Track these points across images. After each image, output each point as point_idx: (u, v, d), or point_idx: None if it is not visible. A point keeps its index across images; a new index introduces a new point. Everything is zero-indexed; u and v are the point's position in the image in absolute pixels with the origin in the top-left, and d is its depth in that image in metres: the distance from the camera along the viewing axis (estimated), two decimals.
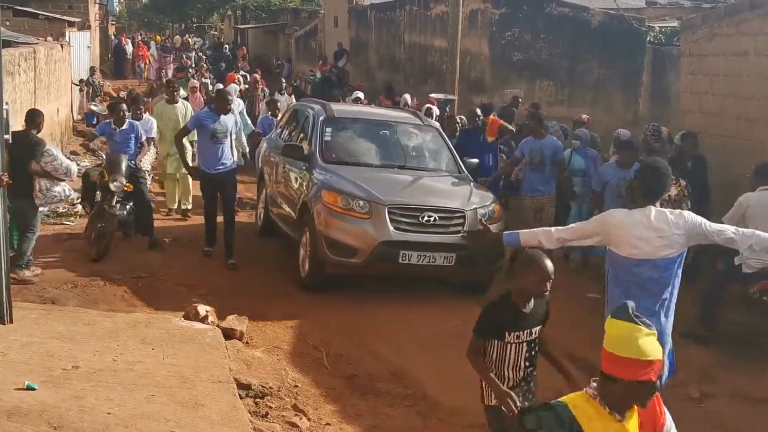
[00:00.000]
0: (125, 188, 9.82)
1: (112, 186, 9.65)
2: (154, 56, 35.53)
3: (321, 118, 10.15)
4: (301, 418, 6.04)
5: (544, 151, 10.23)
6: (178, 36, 54.54)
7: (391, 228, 8.53)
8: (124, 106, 10.74)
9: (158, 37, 53.30)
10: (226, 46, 38.94)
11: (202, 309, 7.72)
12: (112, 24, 48.86)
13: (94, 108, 21.43)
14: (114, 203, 9.70)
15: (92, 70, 25.29)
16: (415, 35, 23.07)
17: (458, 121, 12.89)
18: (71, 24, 23.95)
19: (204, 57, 31.84)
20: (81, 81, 22.85)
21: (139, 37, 41.63)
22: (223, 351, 6.77)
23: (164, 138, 12.29)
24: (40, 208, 9.23)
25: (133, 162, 10.25)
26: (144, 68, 36.18)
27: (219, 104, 10.13)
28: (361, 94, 16.07)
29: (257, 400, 6.24)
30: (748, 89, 10.56)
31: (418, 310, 8.48)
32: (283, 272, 9.87)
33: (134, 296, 8.57)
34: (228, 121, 10.07)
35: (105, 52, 37.94)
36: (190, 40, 48.72)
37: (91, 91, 23.53)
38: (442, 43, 19.60)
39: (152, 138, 11.40)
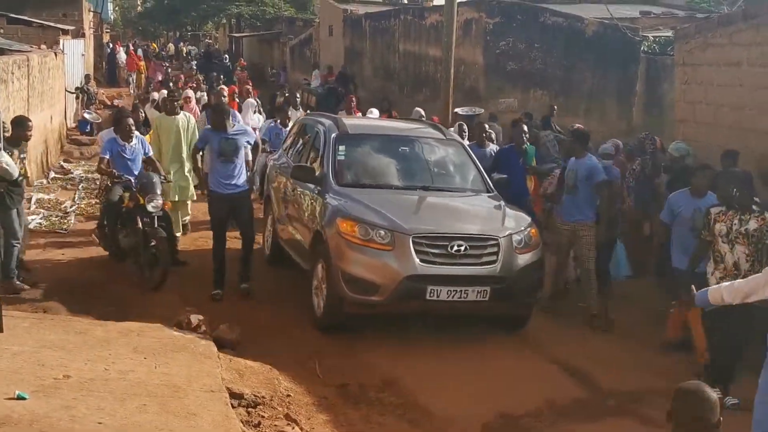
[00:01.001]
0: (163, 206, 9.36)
1: (150, 207, 9.08)
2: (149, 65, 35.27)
3: (333, 135, 9.17)
4: (293, 428, 6.00)
5: (578, 172, 9.06)
6: (171, 44, 54.63)
7: (417, 260, 7.53)
8: (131, 120, 9.76)
9: (154, 44, 53.39)
10: (226, 56, 38.70)
11: (195, 318, 7.68)
12: (107, 32, 48.89)
13: (87, 116, 21.41)
14: (156, 225, 9.14)
15: (87, 78, 25.29)
16: (409, 44, 23.12)
17: (487, 131, 11.64)
18: (65, 32, 23.94)
19: (194, 67, 31.26)
20: (76, 89, 22.84)
21: (131, 46, 41.43)
22: (216, 360, 6.73)
23: (164, 154, 11.01)
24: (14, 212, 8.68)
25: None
26: (135, 78, 34.46)
27: (215, 120, 9.19)
28: (376, 112, 14.94)
29: (249, 409, 6.20)
30: (742, 99, 10.60)
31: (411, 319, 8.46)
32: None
33: (127, 305, 8.53)
34: (239, 138, 9.06)
35: (99, 60, 37.92)
36: (184, 48, 48.83)
37: (86, 98, 23.53)
38: (436, 52, 19.64)
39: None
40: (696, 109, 11.68)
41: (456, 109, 14.70)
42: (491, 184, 9.08)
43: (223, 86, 18.19)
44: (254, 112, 15.89)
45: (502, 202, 8.69)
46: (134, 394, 5.74)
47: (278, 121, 13.38)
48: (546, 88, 18.10)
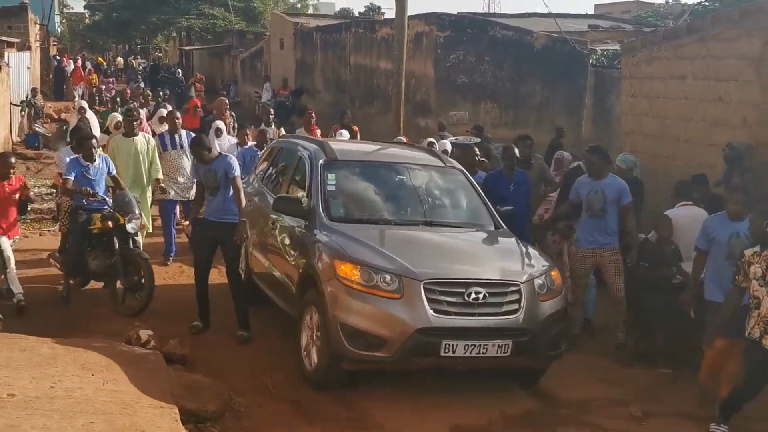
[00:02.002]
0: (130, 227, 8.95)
1: (130, 227, 8.83)
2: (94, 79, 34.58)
3: (320, 161, 8.14)
4: None
5: (606, 193, 8.36)
6: (120, 58, 54.07)
7: (430, 310, 6.51)
8: (95, 141, 9.36)
9: (100, 58, 52.75)
10: (178, 70, 38.24)
11: (144, 333, 7.58)
12: (54, 45, 48.21)
13: (39, 130, 21.10)
14: (137, 245, 8.97)
15: (33, 91, 24.90)
16: (360, 57, 23.17)
17: (478, 153, 10.85)
18: (10, 44, 23.54)
19: (141, 84, 29.96)
20: (21, 102, 22.47)
21: (79, 60, 40.73)
22: (165, 375, 6.63)
23: (121, 180, 9.81)
24: None
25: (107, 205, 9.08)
26: (81, 92, 32.14)
27: (196, 152, 8.35)
28: (346, 134, 13.78)
29: (200, 425, 6.13)
30: (687, 111, 10.80)
31: None
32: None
33: (75, 321, 8.39)
34: (218, 168, 8.16)
35: (46, 73, 37.35)
36: (134, 61, 48.36)
37: (33, 112, 23.16)
38: (387, 65, 19.71)
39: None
40: (642, 121, 11.88)
41: (451, 139, 13.70)
42: (498, 218, 8.14)
43: (171, 109, 14.66)
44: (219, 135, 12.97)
45: (515, 239, 7.82)
46: (81, 412, 5.62)
47: (254, 144, 12.11)
48: (496, 101, 18.25)
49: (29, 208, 9.61)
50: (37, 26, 34.17)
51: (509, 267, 7.12)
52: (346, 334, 6.61)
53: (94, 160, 9.10)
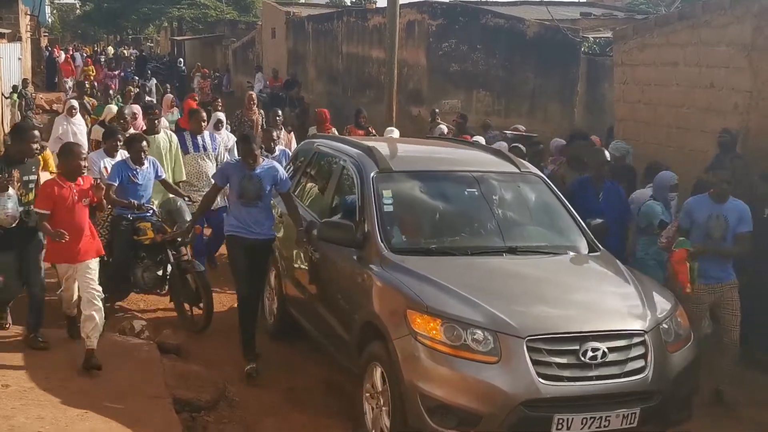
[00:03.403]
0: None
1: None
2: (80, 67, 34.13)
3: (372, 173, 6.58)
4: None
5: (729, 220, 6.99)
6: (110, 47, 53.83)
7: (536, 376, 5.05)
8: (145, 144, 8.29)
9: (88, 48, 52.52)
10: (180, 60, 37.81)
11: (138, 324, 7.62)
12: (45, 35, 48.01)
13: (33, 121, 20.99)
14: (191, 258, 8.25)
15: (24, 82, 24.79)
16: (352, 46, 23.13)
17: (523, 150, 9.76)
18: (1, 36, 23.45)
19: (134, 76, 28.21)
20: (12, 93, 22.35)
21: (71, 50, 40.52)
22: (159, 365, 6.66)
23: None
24: None
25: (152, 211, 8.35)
26: (71, 85, 30.06)
27: (247, 152, 7.10)
28: (397, 132, 12.38)
29: (194, 414, 6.15)
30: (679, 98, 10.82)
31: None
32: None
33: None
34: (268, 174, 7.11)
35: (37, 64, 37.20)
36: (125, 52, 48.18)
37: (24, 103, 23.07)
38: (379, 54, 19.69)
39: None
40: (635, 109, 11.89)
41: (506, 131, 12.75)
42: (593, 237, 6.62)
43: (197, 108, 12.81)
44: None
45: (621, 265, 6.37)
46: (75, 402, 5.66)
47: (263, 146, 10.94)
48: (489, 89, 18.23)
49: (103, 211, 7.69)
50: (28, 17, 34.00)
51: (628, 310, 5.61)
52: (429, 409, 5.15)
53: (143, 163, 8.20)
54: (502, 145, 10.41)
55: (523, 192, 6.97)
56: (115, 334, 7.33)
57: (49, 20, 58.98)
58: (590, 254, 6.43)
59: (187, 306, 8.27)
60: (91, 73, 31.44)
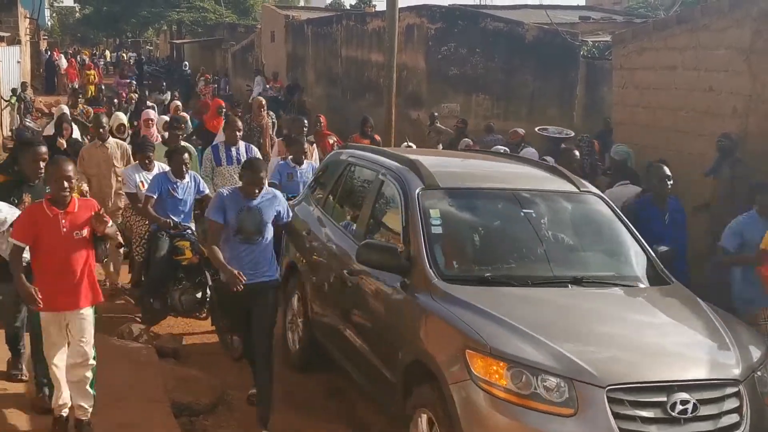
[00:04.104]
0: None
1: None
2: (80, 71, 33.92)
3: (417, 190, 5.85)
4: None
5: None
6: (107, 51, 53.88)
7: None
8: (187, 156, 7.94)
9: (87, 51, 52.56)
10: (185, 63, 37.59)
11: (136, 328, 7.62)
12: (44, 39, 48.02)
13: (29, 124, 21.01)
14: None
15: (24, 85, 24.80)
16: (352, 50, 23.13)
17: (576, 156, 9.05)
18: (0, 39, 23.45)
19: (133, 82, 27.47)
20: (11, 97, 22.35)
21: (71, 53, 40.48)
22: (158, 369, 6.66)
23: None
24: None
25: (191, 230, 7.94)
26: (77, 88, 28.93)
27: (251, 179, 6.04)
28: (470, 141, 11.51)
29: (192, 418, 6.15)
30: (677, 102, 10.81)
31: None
32: None
33: None
34: (270, 205, 6.17)
35: (37, 67, 37.22)
36: (125, 55, 48.22)
37: (23, 106, 23.08)
38: (379, 58, 19.68)
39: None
40: (633, 112, 11.89)
41: (537, 128, 12.22)
42: (662, 265, 5.87)
43: (232, 117, 11.10)
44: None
45: (700, 301, 5.58)
46: None
47: (290, 156, 9.54)
48: (488, 93, 18.23)
49: (106, 247, 5.65)
50: (27, 20, 34.02)
51: (718, 355, 4.87)
52: None
53: (184, 177, 7.85)
54: (530, 152, 10.25)
55: (584, 214, 6.26)
56: (114, 338, 7.33)
57: (49, 23, 58.95)
58: (663, 287, 5.66)
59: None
60: (92, 78, 31.28)
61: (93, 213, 5.13)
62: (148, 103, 18.73)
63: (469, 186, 6.23)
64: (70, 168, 5.09)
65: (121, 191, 9.17)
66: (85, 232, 5.13)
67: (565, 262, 5.75)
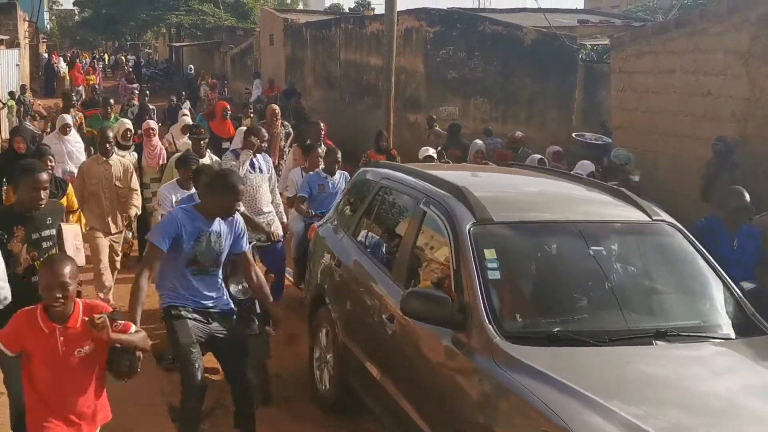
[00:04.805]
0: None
1: (233, 290, 6.19)
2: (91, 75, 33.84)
3: (467, 225, 4.93)
4: None
5: None
6: (105, 54, 53.89)
7: None
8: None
9: (87, 54, 52.58)
10: (190, 66, 37.45)
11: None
12: (43, 42, 48.03)
13: (29, 127, 20.94)
14: (252, 317, 6.28)
15: (23, 88, 24.78)
16: (350, 53, 23.14)
17: (636, 181, 8.13)
18: None
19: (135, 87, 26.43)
20: (9, 101, 22.32)
21: (69, 56, 40.42)
22: (154, 373, 6.63)
23: None
24: None
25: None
26: (84, 92, 29.04)
27: (227, 201, 5.35)
28: (538, 156, 10.61)
29: None
30: (676, 106, 10.81)
31: None
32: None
33: None
34: (228, 228, 5.45)
35: (35, 70, 37.22)
36: (123, 58, 48.22)
37: (22, 109, 23.05)
38: (377, 61, 19.68)
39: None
40: (632, 116, 11.89)
41: (575, 134, 11.51)
42: (754, 312, 4.86)
43: (256, 125, 10.59)
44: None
45: None
46: None
47: (322, 167, 9.12)
48: (486, 96, 18.23)
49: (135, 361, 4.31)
50: (26, 23, 34.03)
51: None
52: None
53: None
54: (584, 165, 9.78)
55: (659, 248, 5.36)
56: None
57: (48, 26, 58.99)
58: (759, 338, 4.67)
59: None
60: (92, 81, 31.14)
61: (97, 321, 4.01)
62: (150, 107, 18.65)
63: (526, 219, 5.23)
64: (66, 270, 3.99)
65: (125, 211, 8.72)
66: (89, 348, 4.12)
67: (644, 310, 4.86)
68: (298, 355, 7.31)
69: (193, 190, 7.11)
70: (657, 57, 11.36)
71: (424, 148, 11.19)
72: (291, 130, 13.00)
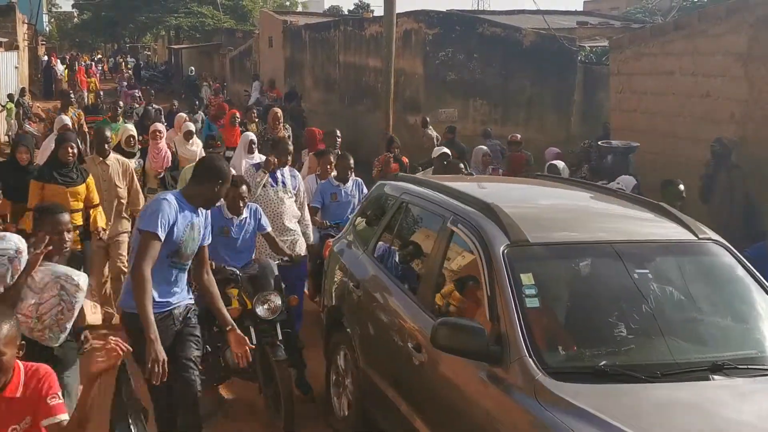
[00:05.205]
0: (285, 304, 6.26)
1: (261, 311, 6.03)
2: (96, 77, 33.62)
3: (502, 248, 4.47)
4: None
5: None
6: (100, 56, 53.87)
7: None
8: (245, 188, 6.58)
9: (86, 57, 52.58)
10: (191, 68, 37.31)
11: None
12: (42, 44, 48.03)
13: (29, 129, 20.98)
14: (276, 341, 6.07)
15: (22, 91, 24.80)
16: (349, 55, 23.14)
17: (681, 191, 7.62)
18: None
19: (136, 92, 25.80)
20: (9, 101, 22.34)
21: (68, 58, 40.37)
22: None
23: None
24: None
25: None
26: (86, 97, 28.23)
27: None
28: (563, 166, 9.99)
29: None
30: (675, 107, 10.83)
31: None
32: None
33: None
34: (204, 222, 5.15)
35: (34, 72, 37.23)
36: (122, 60, 48.21)
37: (21, 112, 23.06)
38: (376, 63, 19.69)
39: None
40: (631, 118, 11.91)
41: (601, 141, 11.25)
42: None
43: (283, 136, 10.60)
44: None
45: None
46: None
47: (334, 174, 8.65)
48: (485, 98, 18.25)
49: None
50: (25, 26, 34.05)
51: None
52: None
53: (241, 213, 6.58)
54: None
55: (708, 270, 4.87)
56: None
57: (47, 29, 58.97)
58: None
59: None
60: (93, 86, 31.01)
61: (42, 394, 3.33)
62: (154, 106, 18.57)
63: (564, 239, 4.76)
64: (3, 331, 3.21)
65: (124, 215, 8.43)
66: (26, 423, 3.35)
67: (695, 339, 4.39)
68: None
69: (245, 213, 6.70)
70: (656, 59, 11.38)
71: (438, 147, 10.77)
72: (291, 132, 12.92)
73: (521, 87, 18.00)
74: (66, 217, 4.72)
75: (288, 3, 57.91)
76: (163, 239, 4.76)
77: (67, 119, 11.75)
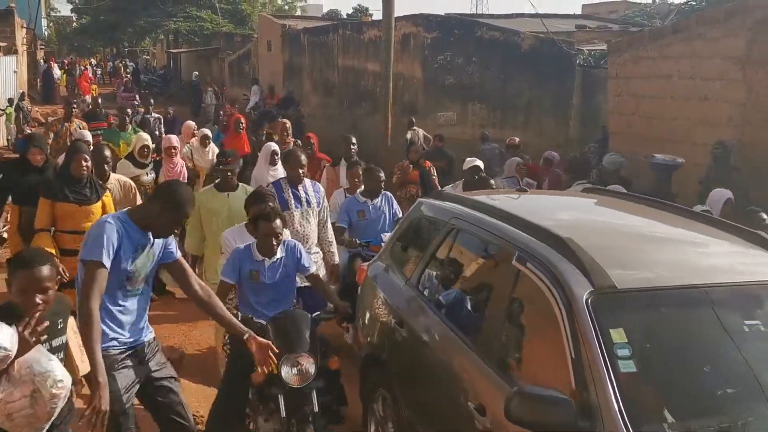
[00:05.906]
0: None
1: (285, 374, 4.99)
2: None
3: (584, 296, 3.68)
4: None
5: None
6: (94, 60, 53.87)
7: None
8: (279, 223, 5.43)
9: (86, 61, 52.65)
10: (195, 72, 37.32)
11: None
12: (41, 48, 48.05)
13: (29, 133, 20.98)
14: (307, 412, 5.03)
15: (21, 95, 24.81)
16: (348, 59, 23.16)
17: (764, 217, 6.97)
18: None
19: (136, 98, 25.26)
20: (9, 105, 22.36)
21: (67, 63, 40.37)
22: None
23: (206, 256, 7.21)
24: None
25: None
26: (89, 102, 26.39)
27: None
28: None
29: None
30: (673, 111, 10.86)
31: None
32: None
33: None
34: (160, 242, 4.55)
35: (33, 76, 37.26)
36: (121, 65, 48.24)
37: (21, 117, 23.08)
38: (375, 67, 19.71)
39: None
40: (629, 121, 11.94)
41: (643, 156, 10.34)
42: None
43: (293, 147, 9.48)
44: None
45: None
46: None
47: (361, 190, 8.08)
48: (484, 102, 18.26)
49: None
50: (24, 30, 34.07)
51: None
52: None
53: (274, 253, 5.47)
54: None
55: None
56: None
57: (46, 33, 59.00)
58: None
59: None
60: (94, 92, 30.90)
61: None
62: (154, 115, 18.47)
63: (659, 284, 3.83)
64: None
65: None
66: None
67: None
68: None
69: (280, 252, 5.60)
70: (654, 62, 11.41)
71: (470, 158, 9.52)
72: (299, 142, 12.58)
73: (520, 90, 18.03)
74: (45, 271, 3.62)
75: (287, 7, 57.88)
76: (108, 267, 4.20)
77: (88, 134, 10.75)
